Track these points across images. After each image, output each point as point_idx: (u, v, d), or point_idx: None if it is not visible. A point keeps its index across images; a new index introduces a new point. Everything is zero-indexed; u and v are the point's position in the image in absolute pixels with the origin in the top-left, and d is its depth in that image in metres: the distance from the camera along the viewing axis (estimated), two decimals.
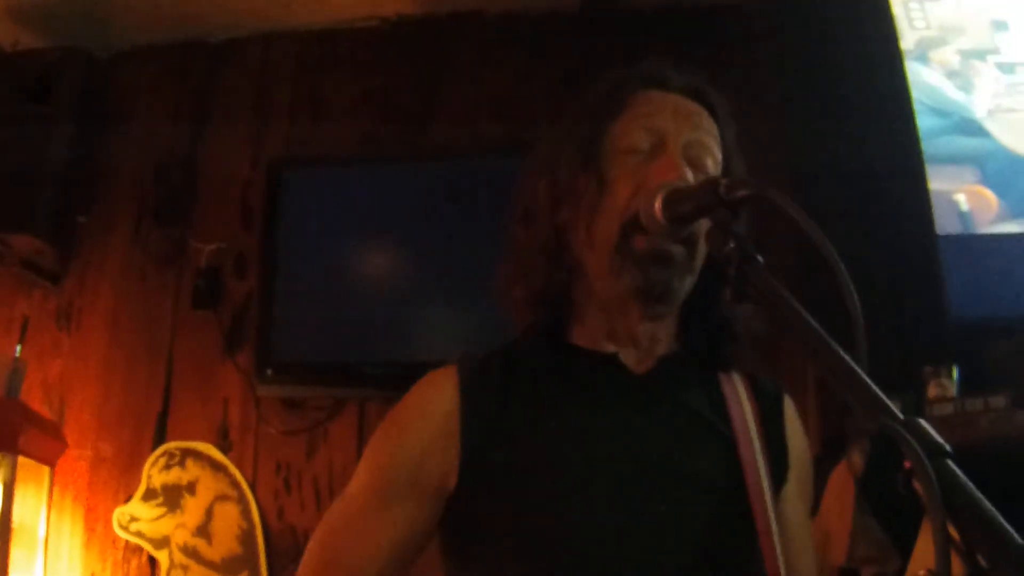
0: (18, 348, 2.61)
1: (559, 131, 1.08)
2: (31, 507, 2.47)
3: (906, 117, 2.07)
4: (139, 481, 2.45)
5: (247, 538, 2.38)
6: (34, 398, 2.56)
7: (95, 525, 2.46)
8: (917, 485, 0.56)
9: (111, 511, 2.44)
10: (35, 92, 2.58)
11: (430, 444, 0.97)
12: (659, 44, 2.46)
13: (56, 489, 2.50)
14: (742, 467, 0.96)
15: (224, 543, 2.38)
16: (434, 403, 0.99)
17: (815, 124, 2.25)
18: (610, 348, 1.02)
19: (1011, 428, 1.82)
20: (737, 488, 0.95)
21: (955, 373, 1.96)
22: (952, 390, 1.95)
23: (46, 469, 2.49)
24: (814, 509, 1.49)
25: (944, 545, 0.53)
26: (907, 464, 0.57)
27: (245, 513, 2.39)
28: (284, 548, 2.35)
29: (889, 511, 1.71)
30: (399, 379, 2.23)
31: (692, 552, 0.92)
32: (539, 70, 2.50)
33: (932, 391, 1.95)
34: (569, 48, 2.50)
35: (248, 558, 2.36)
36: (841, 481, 1.94)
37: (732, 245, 0.80)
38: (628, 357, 1.01)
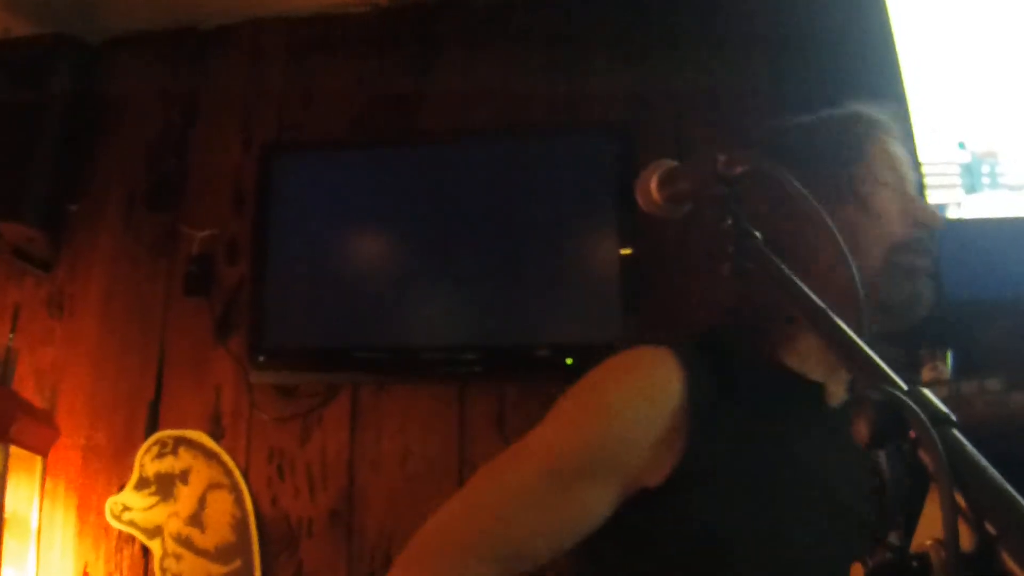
0: (10, 336, 2.60)
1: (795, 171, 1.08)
2: (23, 497, 2.46)
3: (901, 102, 2.07)
4: (132, 470, 2.44)
5: (240, 526, 2.37)
6: (26, 387, 2.55)
7: (88, 515, 2.45)
8: (923, 454, 0.55)
9: (104, 500, 2.43)
10: (26, 79, 2.57)
11: (651, 436, 0.92)
12: (653, 28, 2.45)
13: (48, 478, 2.49)
14: None
15: (217, 531, 2.37)
16: (663, 393, 0.93)
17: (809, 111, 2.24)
18: (816, 375, 1.02)
19: (1006, 410, 1.81)
20: None
21: (950, 356, 1.95)
22: (947, 373, 1.94)
23: (38, 458, 2.49)
24: None
25: (952, 513, 0.52)
26: (912, 433, 0.56)
27: (238, 501, 2.38)
28: (278, 536, 2.34)
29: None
30: (392, 364, 2.30)
31: None
32: (529, 55, 2.49)
33: (927, 374, 1.95)
34: (558, 32, 2.49)
35: (241, 546, 2.35)
36: None
37: (730, 221, 0.81)
38: (831, 387, 1.02)
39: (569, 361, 2.19)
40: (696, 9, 2.43)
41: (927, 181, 2.02)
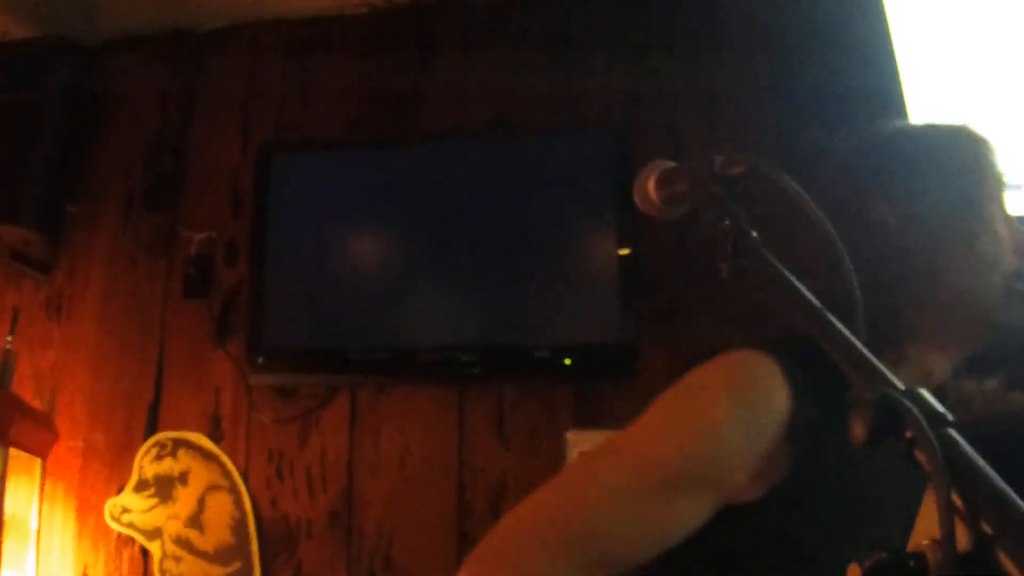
0: (9, 339, 2.59)
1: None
2: (23, 499, 2.46)
3: (897, 105, 2.08)
4: (131, 472, 2.43)
5: (239, 528, 2.36)
6: (25, 389, 2.55)
7: (87, 517, 2.45)
8: (919, 454, 0.55)
9: (103, 502, 2.43)
10: (24, 81, 2.57)
11: (758, 453, 0.89)
12: (652, 28, 2.45)
13: (48, 480, 2.49)
14: None
15: (216, 533, 2.37)
16: (771, 410, 0.90)
17: (807, 111, 2.24)
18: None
19: (1004, 410, 1.81)
20: None
21: None
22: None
23: (37, 461, 2.48)
24: None
25: (948, 513, 0.52)
26: (908, 433, 0.56)
27: (237, 503, 2.38)
28: (277, 537, 2.34)
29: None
30: (391, 366, 2.30)
31: None
32: (528, 55, 2.48)
33: None
34: (556, 32, 2.49)
35: (240, 548, 2.35)
36: None
37: (727, 222, 0.80)
38: None
39: (568, 362, 2.19)
40: (695, 9, 2.43)
41: None
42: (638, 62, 2.41)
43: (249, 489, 2.37)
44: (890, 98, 2.09)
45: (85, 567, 2.42)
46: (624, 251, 2.20)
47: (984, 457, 0.57)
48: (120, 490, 2.43)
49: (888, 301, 1.00)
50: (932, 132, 1.08)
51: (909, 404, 0.57)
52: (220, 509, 2.38)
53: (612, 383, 2.21)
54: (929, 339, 1.01)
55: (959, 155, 1.05)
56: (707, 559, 0.93)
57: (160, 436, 2.46)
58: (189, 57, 2.72)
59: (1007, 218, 1.04)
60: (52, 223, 2.61)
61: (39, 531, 2.46)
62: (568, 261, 2.27)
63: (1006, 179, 1.07)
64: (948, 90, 2.08)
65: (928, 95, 2.09)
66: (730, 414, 0.90)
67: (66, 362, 2.57)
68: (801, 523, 0.91)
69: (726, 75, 2.35)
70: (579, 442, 2.21)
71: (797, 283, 0.74)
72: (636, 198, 0.91)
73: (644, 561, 0.90)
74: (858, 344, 0.66)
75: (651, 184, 0.90)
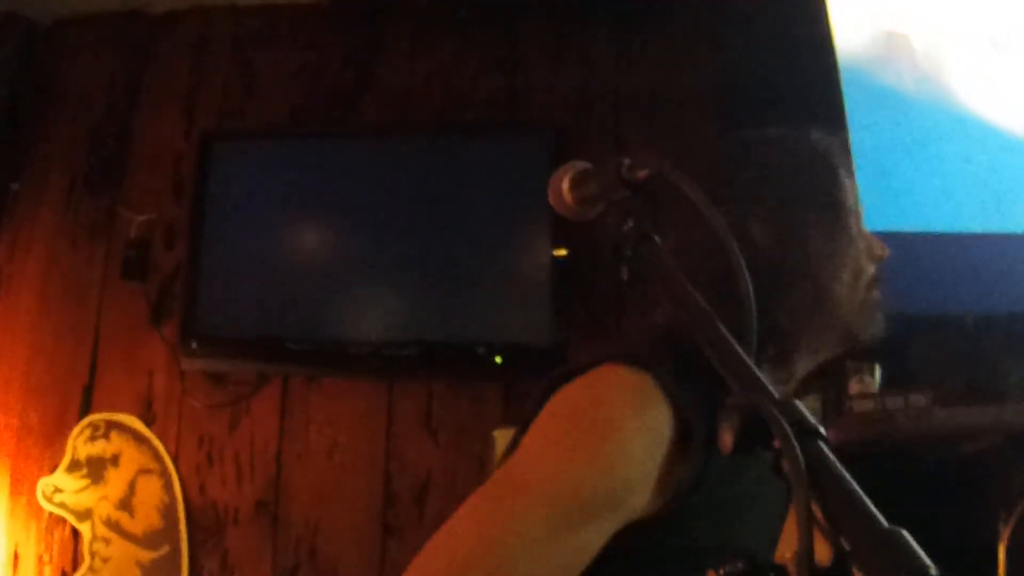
0: None
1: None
2: None
3: (836, 107, 2.07)
4: (64, 452, 2.43)
5: (168, 512, 2.37)
6: None
7: (19, 495, 2.45)
8: (785, 464, 0.55)
9: (36, 481, 2.42)
10: None
11: (651, 473, 0.88)
12: (596, 28, 2.45)
13: None
14: None
15: (146, 517, 2.37)
16: (657, 431, 0.89)
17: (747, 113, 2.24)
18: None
19: (929, 426, 1.82)
20: None
21: (877, 369, 1.96)
22: (874, 386, 1.95)
23: None
24: None
25: (808, 526, 0.51)
26: (776, 443, 0.56)
27: (167, 487, 2.38)
28: (205, 523, 2.35)
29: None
30: (323, 357, 2.30)
31: None
32: (471, 54, 2.49)
33: (854, 387, 1.96)
34: (501, 33, 2.49)
35: (169, 532, 2.35)
36: None
37: (631, 224, 0.80)
38: None
39: (499, 359, 2.20)
40: (641, 10, 2.43)
41: None
42: (581, 62, 2.41)
43: (179, 473, 2.38)
44: (831, 100, 2.08)
45: (16, 545, 2.42)
46: (559, 252, 2.21)
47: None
48: (53, 470, 2.43)
49: (761, 308, 1.00)
50: (792, 140, 1.08)
51: (777, 414, 0.57)
52: (150, 493, 2.39)
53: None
54: (796, 344, 1.02)
55: (820, 163, 1.05)
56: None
57: (94, 417, 2.46)
58: (137, 40, 2.70)
59: (860, 228, 1.05)
60: None
61: None
62: (503, 260, 2.28)
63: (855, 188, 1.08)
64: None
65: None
66: (621, 439, 0.89)
67: (3, 339, 2.56)
68: (693, 536, 0.92)
69: (669, 76, 2.36)
70: (506, 440, 2.21)
71: (691, 288, 0.74)
72: (551, 197, 0.90)
73: None
74: (742, 353, 0.67)
75: (565, 184, 0.88)
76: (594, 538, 0.87)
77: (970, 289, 1.98)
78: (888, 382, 1.95)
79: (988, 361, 1.94)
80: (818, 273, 1.01)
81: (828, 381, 1.99)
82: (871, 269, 1.04)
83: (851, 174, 1.07)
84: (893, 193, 2.07)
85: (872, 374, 1.97)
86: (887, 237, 1.97)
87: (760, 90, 2.24)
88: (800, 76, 2.19)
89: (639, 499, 0.88)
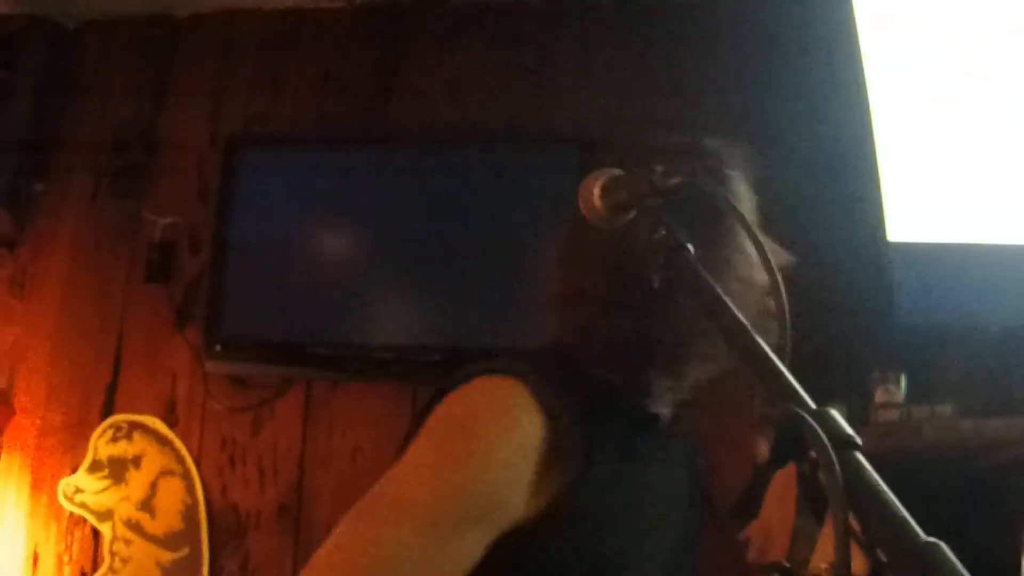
0: None
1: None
2: None
3: (863, 124, 2.06)
4: (86, 452, 2.44)
5: (190, 514, 2.38)
6: None
7: (40, 495, 2.46)
8: (822, 476, 0.55)
9: (57, 481, 2.43)
10: None
11: (523, 478, 0.90)
12: (624, 39, 2.45)
13: (3, 456, 2.49)
14: None
15: (167, 518, 2.38)
16: (526, 436, 0.91)
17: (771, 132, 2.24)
18: (654, 407, 1.06)
19: (955, 436, 1.82)
20: None
21: (903, 380, 1.96)
22: (899, 397, 1.95)
23: None
24: (756, 512, 1.49)
25: (844, 538, 0.51)
26: (812, 454, 0.56)
27: (189, 489, 2.39)
28: (226, 525, 2.36)
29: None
30: (347, 361, 2.30)
31: None
32: (498, 58, 2.49)
33: (879, 397, 1.96)
34: (530, 37, 2.49)
35: (190, 534, 2.36)
36: (784, 484, 1.94)
37: (662, 233, 0.79)
38: (662, 412, 1.07)
39: None
40: (668, 21, 2.42)
41: None
42: (608, 71, 2.41)
43: (201, 476, 2.38)
44: (855, 107, 2.07)
45: (36, 544, 2.43)
46: None
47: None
48: (74, 470, 2.44)
49: (645, 316, 1.01)
50: (692, 146, 1.08)
51: (814, 424, 0.57)
52: (172, 494, 2.39)
53: None
54: (686, 353, 1.02)
55: (718, 168, 1.05)
56: None
57: (116, 418, 2.47)
58: (163, 43, 2.71)
59: (756, 236, 1.05)
60: (19, 200, 2.62)
61: None
62: (530, 267, 2.27)
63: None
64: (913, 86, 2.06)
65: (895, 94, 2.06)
66: (489, 447, 0.91)
67: (27, 339, 2.57)
68: (578, 540, 0.93)
69: (697, 88, 2.35)
70: None
71: (725, 298, 0.73)
72: (581, 204, 0.89)
73: None
74: (777, 362, 0.66)
75: (596, 191, 0.88)
76: (472, 545, 0.88)
77: (996, 300, 1.98)
78: (914, 392, 1.95)
79: (1014, 372, 1.94)
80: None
81: (854, 391, 1.98)
82: (762, 277, 0.99)
83: (749, 183, 1.07)
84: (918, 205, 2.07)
85: (898, 384, 1.97)
86: (922, 247, 1.99)
87: (790, 96, 2.25)
88: (830, 98, 2.18)
89: (514, 504, 0.90)
